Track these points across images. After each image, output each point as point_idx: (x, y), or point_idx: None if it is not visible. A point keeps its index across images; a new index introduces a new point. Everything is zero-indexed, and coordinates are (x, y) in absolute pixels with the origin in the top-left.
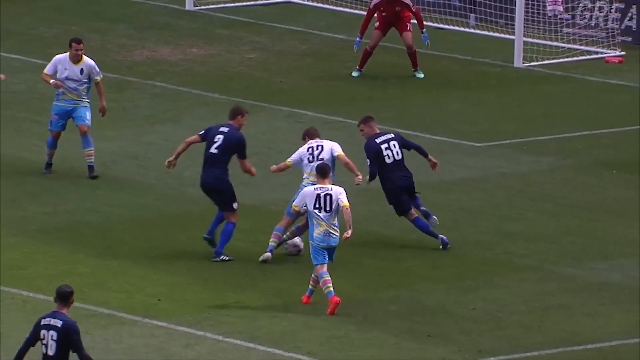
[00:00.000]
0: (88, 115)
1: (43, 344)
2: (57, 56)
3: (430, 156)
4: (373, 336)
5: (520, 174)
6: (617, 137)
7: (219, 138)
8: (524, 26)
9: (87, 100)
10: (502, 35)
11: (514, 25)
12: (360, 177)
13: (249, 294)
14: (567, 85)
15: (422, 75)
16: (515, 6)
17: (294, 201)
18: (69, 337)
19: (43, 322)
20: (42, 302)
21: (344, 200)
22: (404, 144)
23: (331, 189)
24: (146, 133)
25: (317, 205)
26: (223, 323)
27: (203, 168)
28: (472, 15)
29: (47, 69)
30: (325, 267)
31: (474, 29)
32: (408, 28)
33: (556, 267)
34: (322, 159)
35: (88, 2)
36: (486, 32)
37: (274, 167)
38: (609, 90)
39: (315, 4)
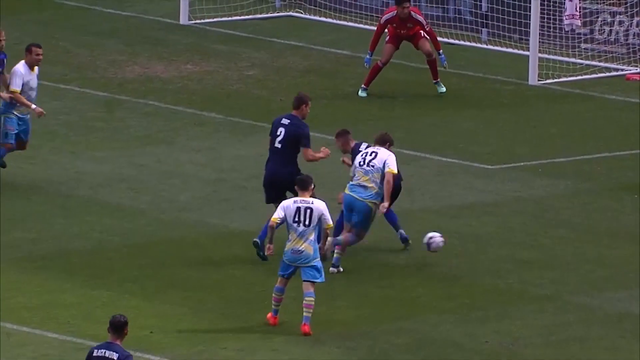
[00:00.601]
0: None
1: None
2: (17, 68)
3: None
4: None
5: (536, 198)
6: (639, 159)
7: (281, 131)
8: (539, 41)
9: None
10: (516, 50)
11: (528, 40)
12: (385, 206)
13: (247, 325)
14: (586, 104)
15: (444, 90)
16: (529, 20)
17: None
18: None
19: (96, 353)
20: (27, 335)
21: (329, 222)
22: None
23: (312, 203)
24: (138, 155)
25: (296, 219)
26: (220, 357)
27: (269, 161)
28: (485, 29)
29: (17, 86)
30: (284, 282)
31: (487, 45)
32: (423, 35)
33: (574, 297)
34: (373, 166)
35: (76, 15)
36: (499, 48)
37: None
38: (630, 109)
39: (317, 17)
